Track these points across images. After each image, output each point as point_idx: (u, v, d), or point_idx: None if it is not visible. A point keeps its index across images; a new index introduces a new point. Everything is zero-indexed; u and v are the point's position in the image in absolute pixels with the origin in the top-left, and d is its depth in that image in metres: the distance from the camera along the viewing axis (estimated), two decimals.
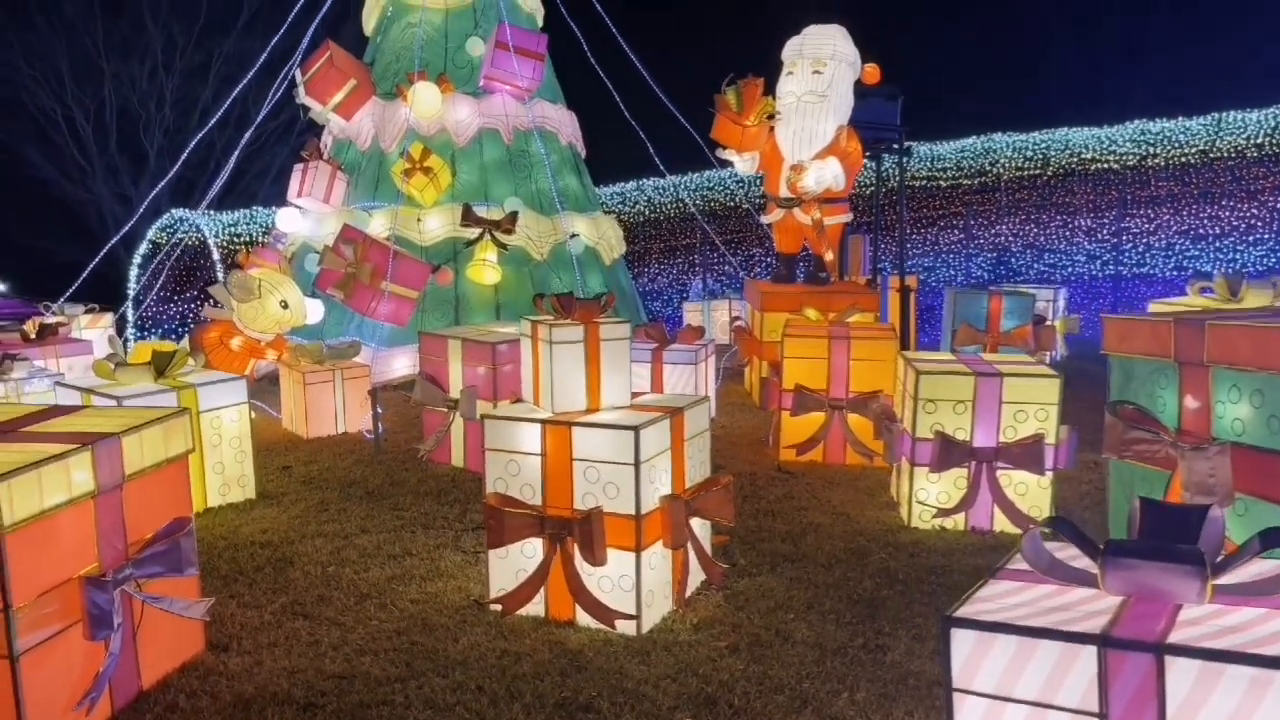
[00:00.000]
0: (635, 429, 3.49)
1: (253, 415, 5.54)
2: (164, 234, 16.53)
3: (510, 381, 5.81)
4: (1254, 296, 6.74)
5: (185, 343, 7.44)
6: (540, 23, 11.03)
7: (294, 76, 9.99)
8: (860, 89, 8.30)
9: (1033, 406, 4.67)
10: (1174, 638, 1.67)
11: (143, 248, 16.61)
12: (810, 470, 5.92)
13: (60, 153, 25.66)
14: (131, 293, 15.83)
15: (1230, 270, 7.35)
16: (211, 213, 16.79)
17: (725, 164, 8.60)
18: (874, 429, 5.82)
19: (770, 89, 8.02)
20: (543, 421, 3.70)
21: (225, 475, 5.32)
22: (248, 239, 16.85)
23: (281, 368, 7.22)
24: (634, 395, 4.07)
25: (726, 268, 17.07)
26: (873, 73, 8.13)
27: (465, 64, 9.91)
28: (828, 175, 7.73)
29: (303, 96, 9.84)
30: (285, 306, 7.04)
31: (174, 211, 16.90)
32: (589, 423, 3.63)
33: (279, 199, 17.88)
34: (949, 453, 4.66)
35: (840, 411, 5.99)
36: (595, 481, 3.59)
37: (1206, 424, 3.65)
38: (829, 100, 7.79)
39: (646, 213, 18.15)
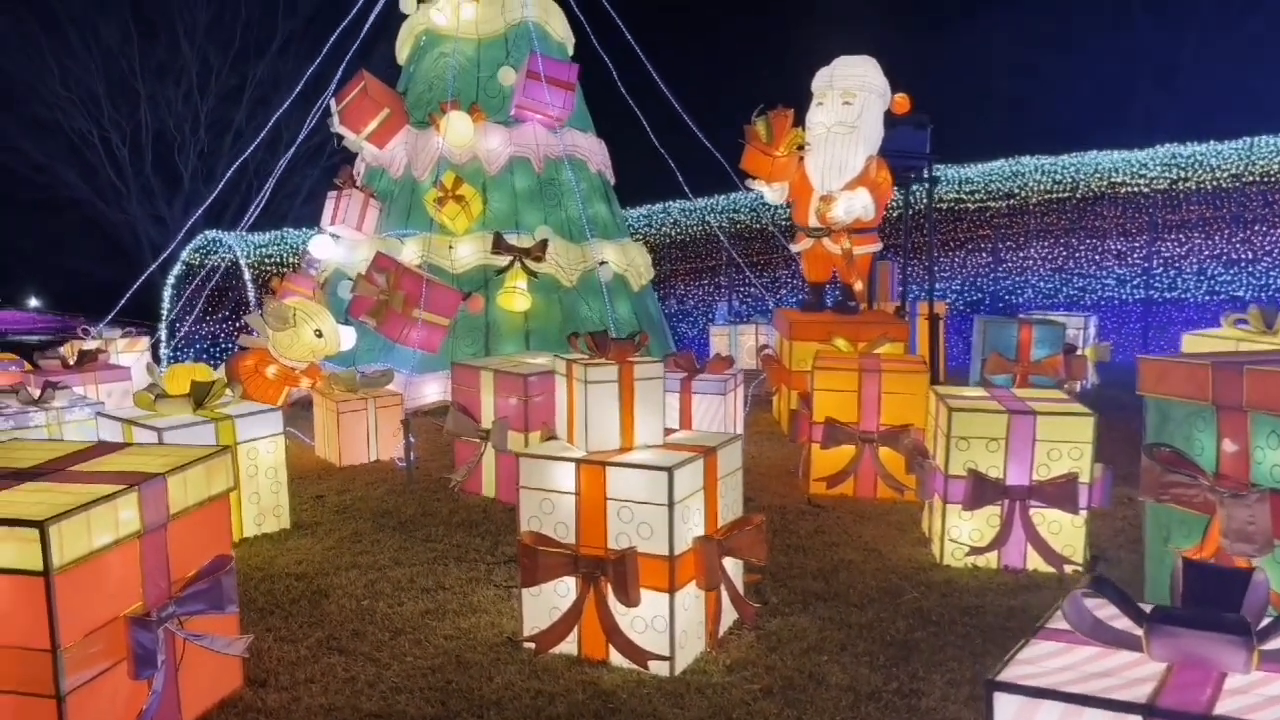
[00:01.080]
0: (669, 470, 3.51)
1: (287, 443, 5.61)
2: (198, 255, 16.78)
3: (541, 412, 5.86)
4: None
5: (221, 371, 7.55)
6: (571, 51, 11.15)
7: (329, 105, 10.14)
8: (890, 119, 8.31)
9: (1066, 445, 4.65)
10: (1220, 708, 1.67)
11: (177, 269, 16.88)
12: (841, 504, 5.91)
13: (96, 174, 26.17)
14: (165, 313, 16.08)
15: (1264, 301, 7.26)
16: (244, 234, 17.02)
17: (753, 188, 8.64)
18: (905, 463, 5.81)
19: (800, 119, 8.05)
20: (577, 461, 3.73)
21: (261, 505, 5.39)
22: (278, 260, 17.06)
23: (316, 396, 7.30)
24: (666, 432, 4.09)
25: (752, 289, 17.08)
26: (902, 103, 8.14)
27: (497, 93, 10.02)
28: (857, 206, 7.75)
29: (337, 125, 9.99)
30: (319, 335, 7.13)
31: (208, 233, 17.17)
32: (623, 462, 3.65)
33: (310, 220, 18.11)
34: (982, 491, 4.65)
35: (871, 445, 5.98)
36: (629, 521, 3.61)
37: (1245, 469, 3.62)
38: (859, 131, 7.82)
39: (673, 234, 18.21)
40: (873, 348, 7.16)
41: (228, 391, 5.49)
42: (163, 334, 15.85)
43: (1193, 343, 7.19)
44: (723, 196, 17.36)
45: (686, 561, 3.62)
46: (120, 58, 25.06)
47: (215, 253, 16.81)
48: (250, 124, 26.86)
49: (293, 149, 11.66)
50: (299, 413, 8.60)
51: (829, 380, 6.09)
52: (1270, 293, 14.45)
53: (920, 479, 5.23)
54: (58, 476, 3.21)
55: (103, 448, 3.65)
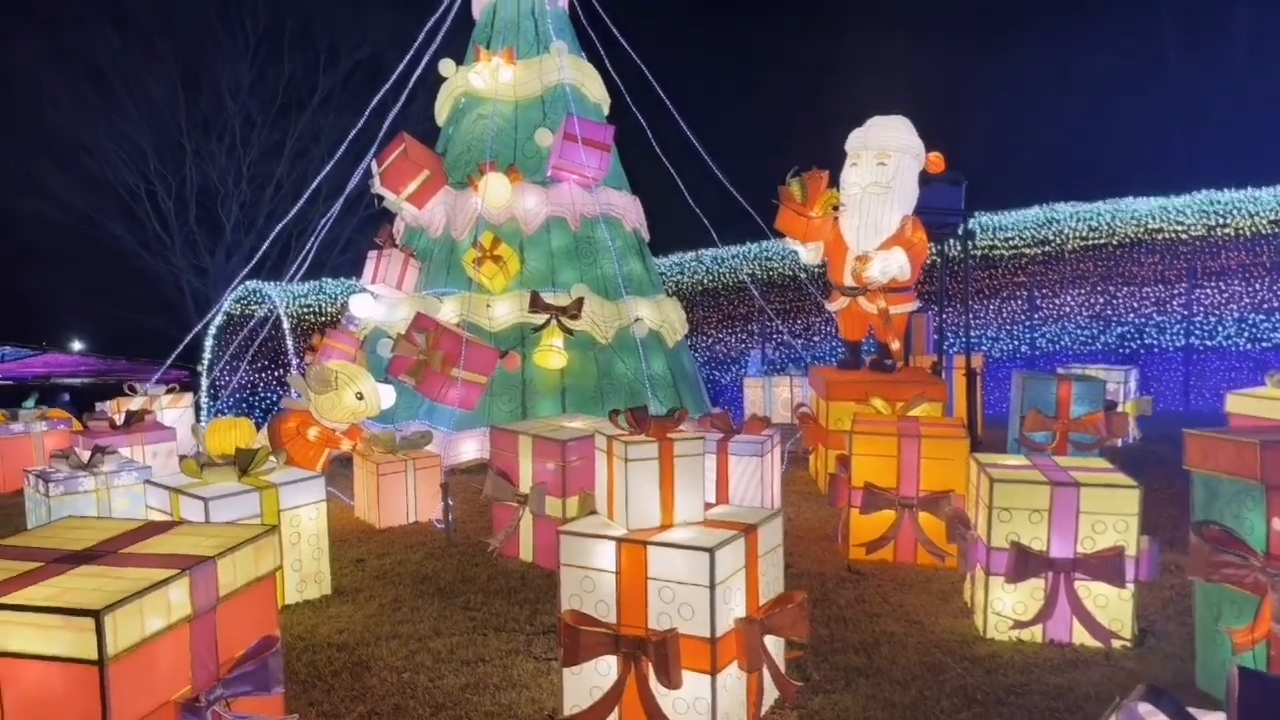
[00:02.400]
0: (710, 550, 3.51)
1: (328, 504, 5.67)
2: (239, 305, 17.09)
3: (579, 477, 5.88)
4: None
5: (263, 434, 7.67)
6: (606, 111, 11.32)
7: (370, 167, 10.36)
8: (924, 176, 8.35)
9: (1111, 517, 4.59)
10: None
11: (219, 319, 17.18)
12: (881, 570, 5.86)
13: (142, 226, 26.87)
14: (207, 362, 16.35)
15: None
16: (283, 284, 17.32)
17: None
18: (946, 530, 5.76)
19: (834, 180, 8.11)
20: (618, 539, 3.74)
21: (303, 572, 5.44)
22: (317, 310, 17.33)
23: (356, 457, 7.39)
24: (706, 506, 4.10)
25: (786, 337, 17.08)
26: (937, 162, 8.18)
27: (534, 154, 10.19)
28: (893, 265, 7.77)
29: (378, 187, 10.19)
30: (360, 398, 7.23)
31: (249, 283, 17.49)
32: (664, 542, 3.66)
33: (347, 269, 18.39)
34: (1025, 563, 4.59)
35: (911, 510, 5.94)
36: (670, 601, 3.61)
37: None
38: (893, 191, 7.86)
39: (706, 282, 18.29)
40: (910, 408, 7.13)
41: (271, 459, 5.57)
42: (203, 383, 16.11)
43: (1237, 402, 7.08)
44: (755, 245, 17.45)
45: (728, 643, 3.61)
46: (168, 114, 25.85)
47: (256, 303, 17.12)
48: (290, 175, 27.54)
49: (338, 203, 11.83)
50: (338, 470, 8.70)
51: (868, 445, 6.06)
52: None
53: (962, 549, 5.18)
54: (110, 559, 3.27)
55: (153, 528, 3.72)
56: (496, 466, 6.27)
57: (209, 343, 16.79)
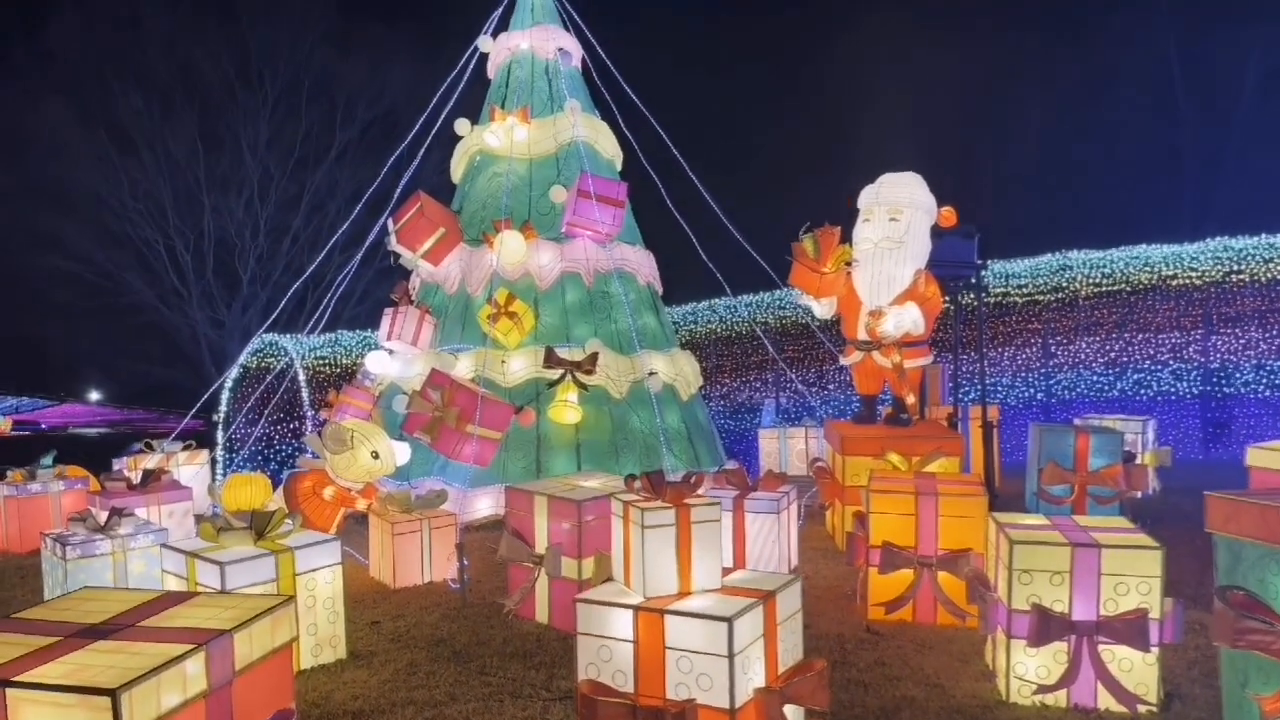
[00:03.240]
0: (729, 620, 3.49)
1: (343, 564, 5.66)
2: (256, 358, 17.21)
3: (595, 536, 5.86)
4: None
5: (279, 494, 7.68)
6: (620, 167, 11.45)
7: (386, 224, 10.49)
8: (937, 230, 8.38)
9: (1134, 579, 4.53)
10: None
11: (234, 372, 17.31)
12: (900, 630, 5.79)
13: (160, 280, 27.22)
14: (223, 415, 16.43)
15: None
16: (299, 337, 17.46)
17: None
18: (966, 590, 5.70)
19: (846, 235, 8.16)
20: (635, 607, 3.72)
21: (318, 636, 5.41)
22: (332, 362, 17.44)
23: (371, 516, 7.38)
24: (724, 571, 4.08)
25: (799, 387, 17.06)
26: (949, 216, 8.22)
27: (548, 210, 10.30)
28: (906, 320, 7.78)
29: (394, 244, 10.31)
30: (376, 456, 7.24)
31: (265, 336, 17.63)
32: (682, 611, 3.64)
33: (363, 321, 18.52)
34: (1047, 626, 4.53)
35: (930, 569, 5.88)
36: (688, 672, 3.58)
37: None
38: (906, 246, 7.90)
39: (719, 330, 18.35)
40: (926, 463, 7.10)
41: (288, 521, 5.57)
42: (220, 436, 16.19)
43: (1259, 456, 7.02)
44: (768, 294, 17.51)
45: (747, 713, 3.57)
46: (187, 170, 26.34)
47: (273, 356, 17.25)
48: (307, 228, 27.91)
49: (355, 258, 11.98)
50: (353, 527, 8.69)
51: (885, 503, 6.03)
52: None
53: (982, 610, 5.12)
54: (127, 633, 3.28)
55: (169, 599, 3.72)
56: (512, 526, 6.25)
57: (225, 395, 16.91)
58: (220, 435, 16.21)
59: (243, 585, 5.03)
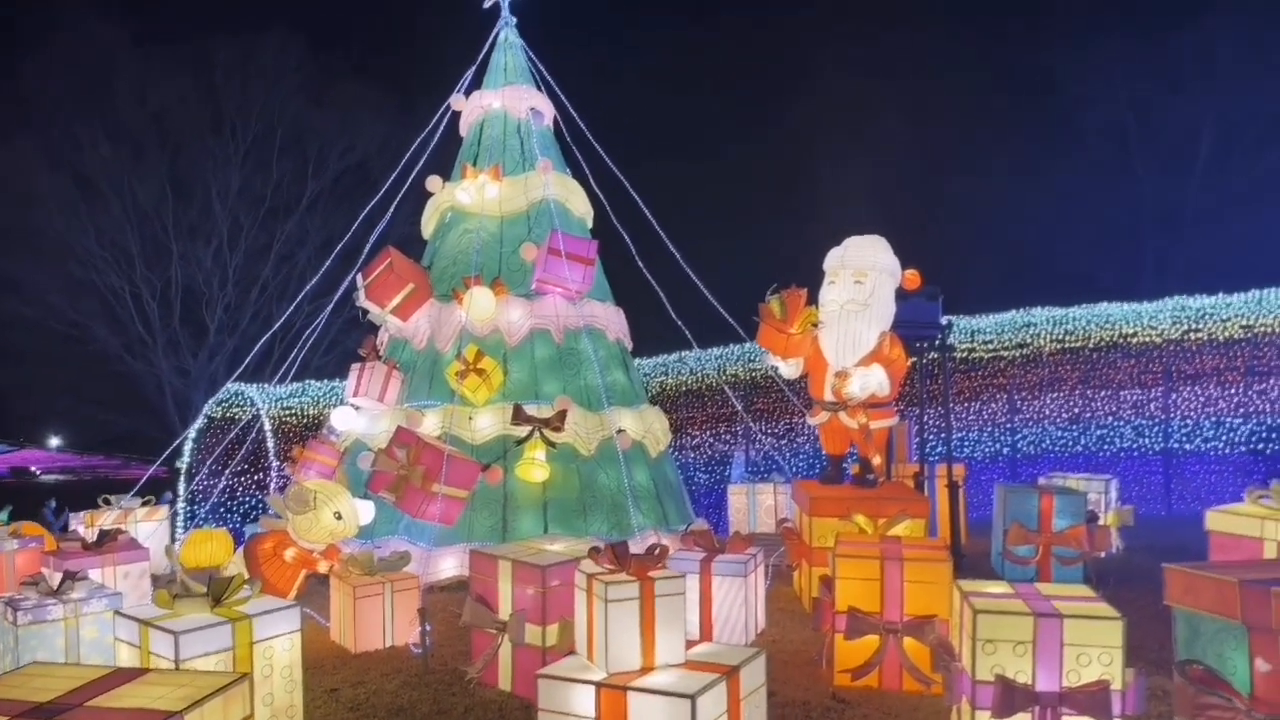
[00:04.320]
0: (692, 697, 3.46)
1: (302, 626, 5.55)
2: (221, 408, 17.01)
3: (559, 602, 5.79)
4: None
5: (239, 556, 7.55)
6: (590, 224, 11.54)
7: (356, 280, 10.47)
8: (901, 292, 8.50)
9: (1095, 649, 4.54)
10: None
11: (199, 422, 17.08)
12: (866, 698, 5.75)
13: (126, 328, 26.91)
14: (185, 466, 16.18)
15: None
16: (265, 386, 17.29)
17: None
18: (931, 656, 5.69)
19: (813, 297, 8.25)
20: (597, 684, 3.69)
21: (274, 706, 5.28)
22: (299, 412, 17.28)
23: (332, 578, 7.27)
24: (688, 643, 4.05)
25: (770, 438, 17.10)
26: (913, 279, 8.34)
27: (519, 268, 10.33)
28: (872, 382, 7.85)
29: (363, 300, 10.28)
30: (339, 518, 7.15)
31: (230, 386, 17.44)
32: (644, 688, 3.61)
33: (331, 370, 18.40)
34: (1011, 699, 4.52)
35: (895, 635, 5.87)
36: None
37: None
38: (871, 308, 8.00)
39: (689, 383, 18.39)
40: (892, 526, 7.12)
41: (246, 587, 5.47)
42: (181, 488, 15.93)
43: (1217, 519, 7.13)
44: (738, 346, 17.60)
45: None
46: (155, 218, 26.20)
47: (238, 406, 17.06)
48: (276, 278, 27.79)
49: (325, 311, 11.91)
50: (315, 587, 8.54)
51: (851, 568, 6.02)
52: None
53: (947, 679, 5.11)
54: (75, 714, 3.19)
55: (120, 676, 3.63)
56: (475, 592, 6.18)
57: (188, 446, 16.67)
58: (182, 487, 15.96)
59: (197, 655, 4.92)
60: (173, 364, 27.41)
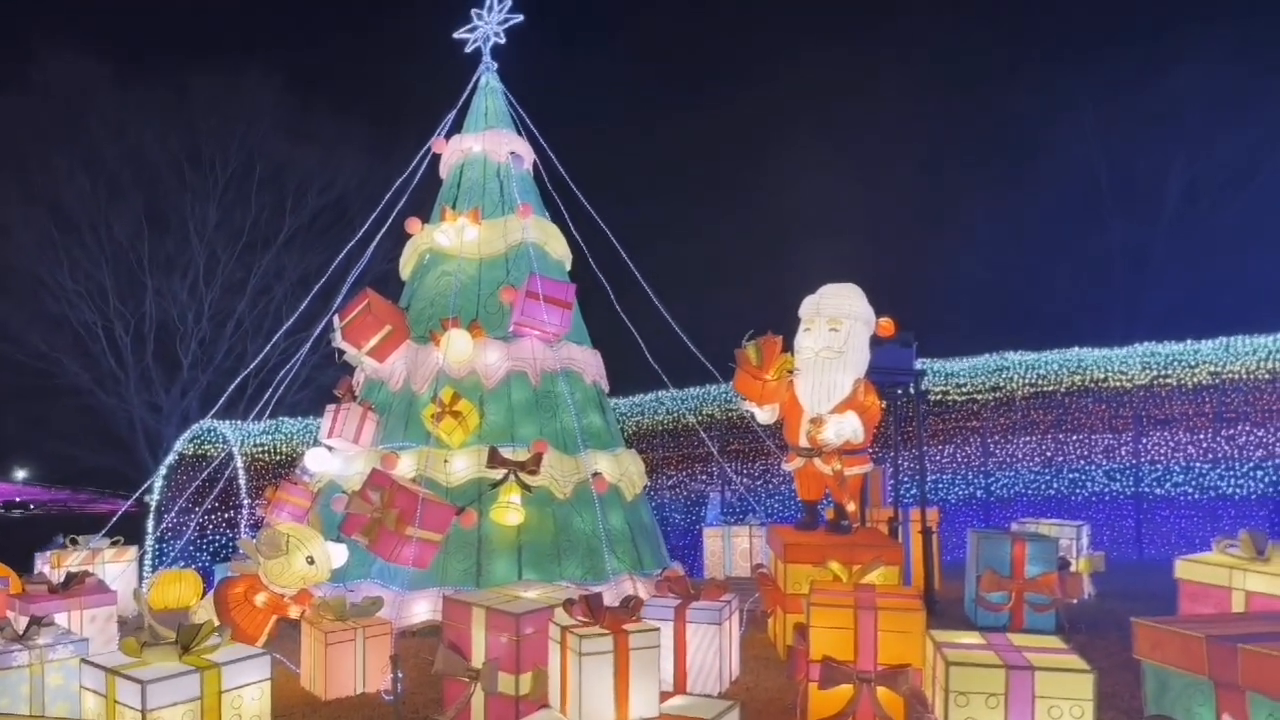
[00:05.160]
0: None
1: (272, 672, 5.48)
2: (194, 445, 16.84)
3: (533, 650, 5.76)
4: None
5: (209, 601, 7.47)
6: (568, 267, 11.61)
7: (332, 320, 10.46)
8: (875, 339, 8.59)
9: (1066, 702, 4.58)
10: None
11: (170, 458, 16.90)
12: None
13: (98, 363, 26.63)
14: (155, 502, 15.97)
15: (1254, 528, 7.29)
16: (238, 423, 17.16)
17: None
18: (905, 708, 5.70)
19: (789, 344, 8.33)
20: None
21: None
22: (271, 449, 17.15)
23: (304, 624, 7.19)
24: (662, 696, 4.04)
25: (746, 480, 17.13)
26: (887, 327, 8.44)
27: (496, 310, 10.36)
28: (846, 429, 7.90)
29: (339, 341, 10.26)
30: (311, 562, 7.09)
31: (203, 422, 17.28)
32: None
33: (305, 407, 18.27)
34: None
35: (869, 685, 5.87)
36: None
37: None
38: (846, 355, 8.07)
39: (666, 423, 18.42)
40: (866, 573, 7.14)
41: (215, 634, 5.41)
42: (150, 525, 15.73)
43: (1186, 569, 7.21)
44: (714, 387, 17.65)
45: None
46: (130, 253, 26.06)
47: (211, 443, 16.90)
48: (252, 313, 27.64)
49: (302, 351, 11.90)
50: (285, 631, 8.43)
51: (825, 617, 6.03)
52: (1259, 489, 14.55)
53: None
54: None
55: None
56: (448, 639, 6.13)
57: (159, 484, 16.47)
58: (151, 524, 15.75)
59: (164, 705, 4.86)
60: (145, 399, 27.11)
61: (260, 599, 7.02)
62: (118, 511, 10.97)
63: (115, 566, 10.08)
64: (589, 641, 3.85)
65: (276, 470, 16.24)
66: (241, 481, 16.44)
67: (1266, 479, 14.60)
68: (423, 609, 8.78)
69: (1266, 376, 14.65)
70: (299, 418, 17.61)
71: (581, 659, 3.83)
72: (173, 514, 14.91)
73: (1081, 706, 4.58)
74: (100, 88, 25.98)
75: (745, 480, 17.04)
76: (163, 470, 16.48)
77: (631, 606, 4.03)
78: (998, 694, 4.63)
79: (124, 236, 25.91)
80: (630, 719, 3.83)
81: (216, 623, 5.62)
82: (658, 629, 4.03)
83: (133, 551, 10.55)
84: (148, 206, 26.22)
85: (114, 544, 10.36)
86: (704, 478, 17.94)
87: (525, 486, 9.28)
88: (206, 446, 16.82)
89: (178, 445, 17.04)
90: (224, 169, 26.92)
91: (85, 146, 25.67)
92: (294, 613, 7.27)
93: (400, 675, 6.38)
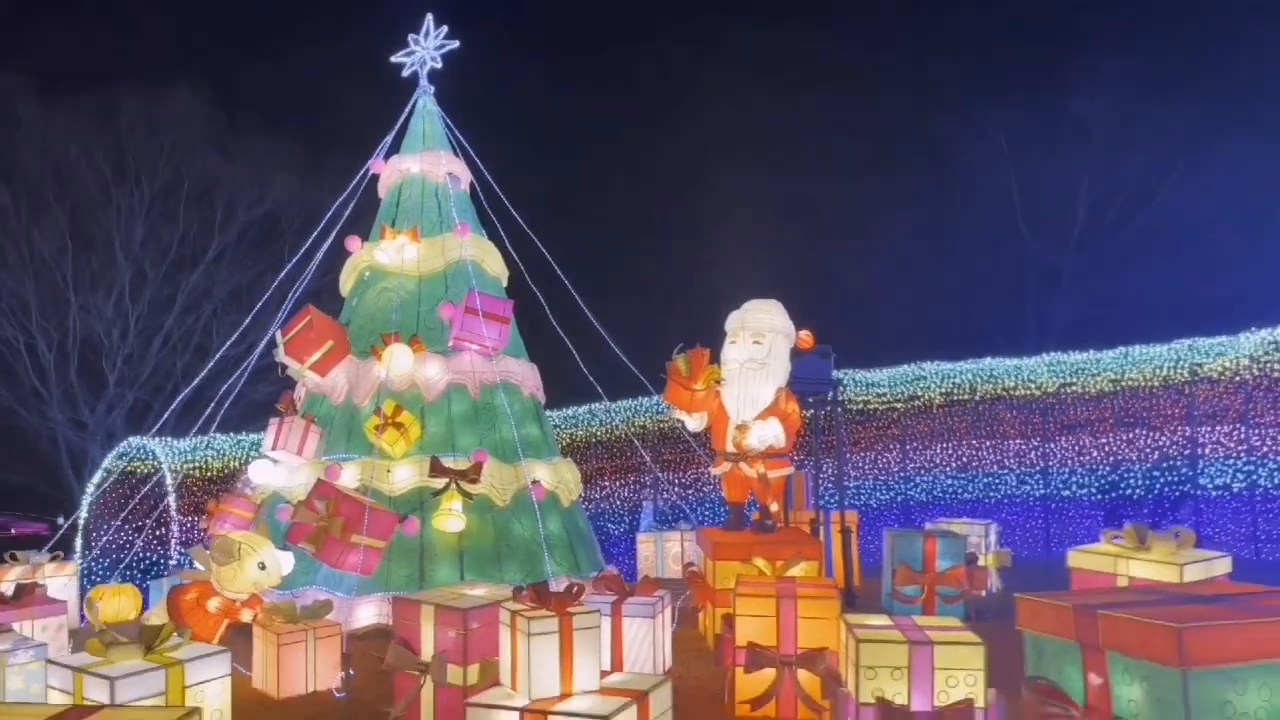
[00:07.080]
0: (606, 718, 3.91)
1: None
2: (120, 462, 16.75)
3: (480, 643, 6.15)
4: (1159, 545, 7.42)
5: (161, 608, 7.68)
6: (505, 283, 12.03)
7: (275, 336, 10.70)
8: (796, 352, 9.21)
9: (961, 672, 5.15)
10: None
11: (97, 476, 16.81)
12: None
13: (20, 381, 26.04)
14: (83, 520, 15.88)
15: (1139, 521, 8.05)
16: (168, 439, 17.12)
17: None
18: (821, 686, 6.23)
19: (715, 356, 8.89)
20: (520, 709, 4.11)
21: None
22: (203, 465, 17.14)
23: (256, 627, 7.47)
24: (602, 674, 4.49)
25: (678, 489, 17.64)
26: (807, 340, 9.07)
27: (436, 325, 10.73)
28: (769, 434, 8.48)
29: (282, 355, 10.51)
30: (263, 568, 7.37)
31: (132, 440, 17.20)
32: (563, 711, 4.05)
33: (236, 423, 18.31)
34: (890, 718, 5.09)
35: (790, 668, 6.40)
36: None
37: (1108, 701, 4.18)
38: (768, 367, 8.67)
39: (599, 434, 18.85)
40: (789, 568, 7.69)
41: (176, 635, 5.70)
42: (78, 544, 15.64)
43: (1077, 558, 7.93)
44: (647, 399, 18.16)
45: None
46: (54, 269, 25.59)
47: (140, 460, 16.83)
48: (180, 329, 27.31)
49: (244, 367, 12.06)
50: (234, 635, 8.64)
51: (750, 606, 6.55)
52: (1156, 490, 15.54)
53: (835, 706, 5.65)
54: None
55: (76, 712, 3.90)
56: (399, 636, 6.49)
57: (84, 500, 16.38)
58: (80, 543, 15.66)
59: (132, 700, 5.14)
60: (68, 417, 26.59)
61: (213, 604, 7.28)
62: (39, 533, 11.02)
63: (57, 581, 10.16)
64: (536, 623, 4.29)
65: (210, 487, 16.27)
66: (171, 500, 16.42)
67: (1163, 479, 15.61)
68: (368, 613, 9.09)
69: (1159, 385, 15.69)
70: (230, 434, 17.59)
71: (530, 639, 4.27)
72: (108, 532, 14.85)
73: (975, 675, 5.15)
74: (21, 102, 25.54)
75: (676, 489, 17.56)
76: (90, 489, 16.41)
77: (575, 592, 4.48)
78: (902, 667, 5.18)
79: (47, 253, 25.45)
80: (574, 691, 4.27)
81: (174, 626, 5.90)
82: (598, 611, 4.49)
83: (73, 566, 10.63)
84: (71, 223, 25.79)
85: (54, 559, 10.43)
86: (637, 487, 18.42)
87: (466, 494, 9.64)
88: (135, 464, 16.76)
89: (105, 462, 16.94)
90: (151, 183, 26.61)
91: (5, 162, 25.20)
92: (246, 617, 7.54)
93: (352, 673, 6.72)
